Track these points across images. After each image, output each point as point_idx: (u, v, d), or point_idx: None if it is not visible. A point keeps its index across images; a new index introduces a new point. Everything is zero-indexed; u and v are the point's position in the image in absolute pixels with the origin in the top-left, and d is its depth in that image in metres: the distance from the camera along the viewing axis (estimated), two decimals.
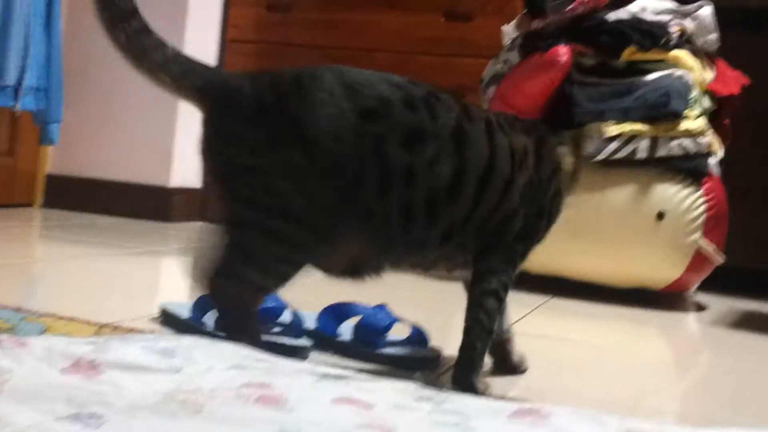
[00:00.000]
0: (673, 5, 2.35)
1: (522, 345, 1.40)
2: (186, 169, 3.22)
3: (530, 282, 2.30)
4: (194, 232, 2.95)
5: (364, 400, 0.88)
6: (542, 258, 2.24)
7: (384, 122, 1.13)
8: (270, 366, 0.97)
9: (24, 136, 3.13)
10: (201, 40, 3.23)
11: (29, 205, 3.20)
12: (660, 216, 2.14)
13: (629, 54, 2.26)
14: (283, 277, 1.17)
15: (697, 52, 2.31)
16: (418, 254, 1.22)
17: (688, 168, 2.16)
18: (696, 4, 2.34)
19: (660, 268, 2.18)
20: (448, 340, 1.50)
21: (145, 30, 1.18)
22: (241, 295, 1.17)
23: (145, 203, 3.12)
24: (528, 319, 1.85)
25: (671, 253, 2.15)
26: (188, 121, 3.20)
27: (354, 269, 1.21)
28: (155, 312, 1.53)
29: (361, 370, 1.15)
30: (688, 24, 2.30)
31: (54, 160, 3.25)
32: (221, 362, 0.97)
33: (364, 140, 1.11)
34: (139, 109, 3.16)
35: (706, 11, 2.33)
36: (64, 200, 3.19)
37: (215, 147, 1.19)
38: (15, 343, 0.95)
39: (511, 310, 1.70)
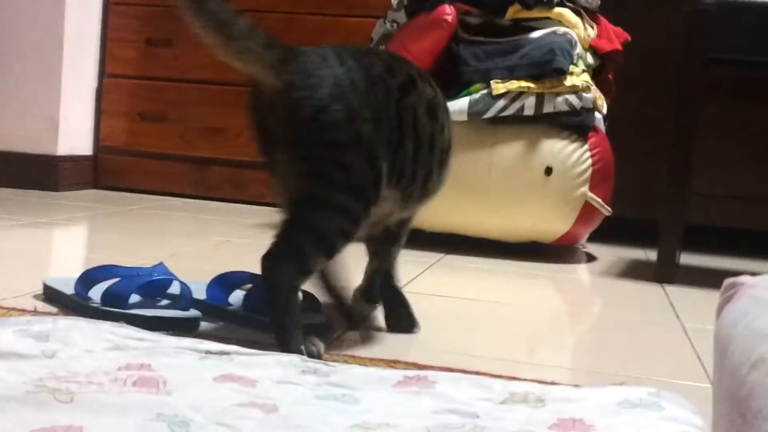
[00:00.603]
0: None
1: (416, 304, 1.41)
2: (73, 136, 3.13)
3: (423, 240, 2.32)
4: (84, 200, 2.88)
5: (248, 376, 0.88)
6: (435, 216, 2.27)
7: (415, 94, 1.23)
8: (152, 345, 0.96)
9: None
10: (83, 2, 3.13)
11: None
12: (548, 171, 2.18)
13: (514, 12, 2.28)
14: (337, 253, 1.20)
15: (579, 10, 2.34)
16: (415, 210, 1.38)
17: (574, 123, 2.19)
18: None
19: (550, 222, 2.22)
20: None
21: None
22: (296, 276, 1.15)
23: (32, 173, 3.02)
24: (422, 278, 1.87)
25: (560, 206, 2.19)
26: (74, 88, 3.11)
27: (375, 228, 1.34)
28: (40, 288, 1.49)
29: (251, 342, 1.14)
30: None
31: None
32: (100, 343, 0.95)
33: (406, 112, 1.20)
34: (20, 74, 3.05)
35: None
36: None
37: (295, 123, 1.14)
38: None
39: (404, 268, 1.71)
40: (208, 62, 3.10)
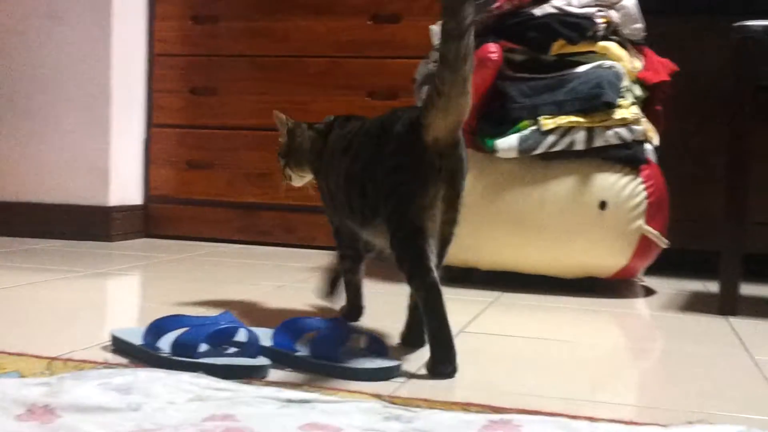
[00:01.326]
0: None
1: (477, 344, 1.41)
2: (124, 186, 3.18)
3: (478, 279, 2.32)
4: (137, 249, 2.91)
5: (332, 425, 0.88)
6: (489, 254, 2.27)
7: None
8: (232, 395, 0.96)
9: None
10: (128, 56, 3.19)
11: None
12: (602, 205, 2.17)
13: (558, 48, 2.28)
14: None
15: (624, 42, 2.34)
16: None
17: (625, 156, 2.19)
18: None
19: (606, 257, 2.20)
20: (406, 350, 1.50)
21: None
22: None
23: (85, 224, 3.07)
24: (481, 318, 1.86)
25: (616, 240, 2.18)
26: (123, 139, 3.16)
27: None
28: (106, 339, 1.50)
29: (324, 387, 1.14)
30: (614, 15, 2.33)
31: None
32: (181, 395, 0.96)
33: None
34: (71, 128, 3.10)
35: (630, 1, 2.36)
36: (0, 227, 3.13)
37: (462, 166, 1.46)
38: None
39: (461, 308, 1.71)
40: (253, 109, 3.15)
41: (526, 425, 0.88)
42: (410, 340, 1.55)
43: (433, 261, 1.41)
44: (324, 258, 2.83)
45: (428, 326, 1.39)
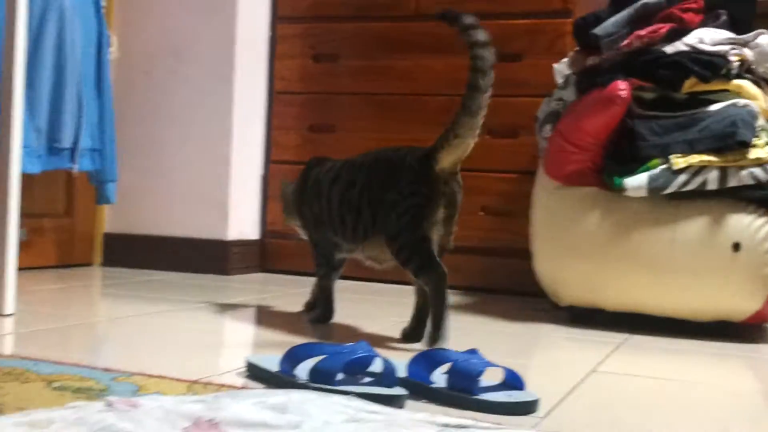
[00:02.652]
0: (730, 35, 2.32)
1: (610, 384, 1.38)
2: (242, 221, 3.23)
3: (606, 320, 2.27)
4: (255, 282, 2.95)
5: None
6: (616, 294, 2.22)
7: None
8: (387, 418, 0.95)
9: (80, 196, 3.15)
10: (249, 93, 3.26)
11: (89, 264, 3.21)
12: (736, 247, 2.10)
13: (690, 86, 2.24)
14: None
15: (758, 81, 2.29)
16: None
17: (761, 197, 2.12)
18: (754, 33, 2.31)
19: (739, 300, 2.13)
20: (543, 383, 1.48)
21: None
22: None
23: (204, 257, 3.12)
24: (611, 359, 1.82)
25: (750, 284, 2.11)
26: (242, 174, 3.22)
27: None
28: (240, 366, 1.52)
29: (464, 418, 1.12)
30: (748, 53, 2.28)
31: (110, 219, 3.27)
32: (336, 416, 0.96)
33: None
34: (192, 163, 3.18)
35: (765, 39, 2.30)
36: (122, 258, 3.21)
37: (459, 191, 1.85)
38: (127, 404, 0.93)
39: (589, 349, 1.68)
40: (370, 146, 3.14)
41: None
42: (412, 336, 1.88)
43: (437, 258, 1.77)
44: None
45: (434, 308, 1.76)
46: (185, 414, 0.89)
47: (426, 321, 1.80)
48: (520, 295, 2.88)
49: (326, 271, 2.11)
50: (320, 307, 2.11)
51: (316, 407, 0.96)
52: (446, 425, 0.93)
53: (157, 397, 0.99)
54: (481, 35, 1.74)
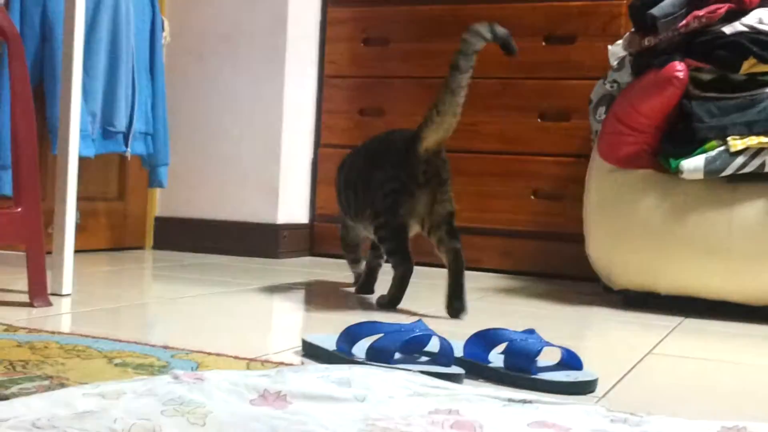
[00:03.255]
0: None
1: (664, 366, 1.36)
2: (291, 204, 3.24)
3: (660, 304, 2.25)
4: (304, 266, 2.96)
5: (560, 424, 0.86)
6: (671, 277, 2.20)
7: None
8: (451, 393, 0.95)
9: (133, 180, 3.19)
10: (300, 77, 3.26)
11: (141, 247, 3.25)
12: None
13: (749, 67, 2.20)
14: None
15: None
16: None
17: None
18: None
19: None
20: (600, 364, 1.46)
21: None
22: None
23: (254, 241, 3.15)
24: (666, 342, 1.80)
25: None
26: (292, 158, 3.23)
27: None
28: (297, 345, 1.53)
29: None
30: None
31: (162, 203, 3.30)
32: (400, 390, 0.96)
33: None
34: (243, 147, 3.20)
35: None
36: (173, 242, 3.24)
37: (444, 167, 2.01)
38: (193, 378, 0.94)
39: (643, 332, 1.66)
40: None
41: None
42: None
43: (410, 249, 1.98)
44: (490, 280, 2.81)
45: (393, 288, 2.01)
46: (252, 386, 0.90)
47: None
48: (572, 280, 2.86)
49: (349, 252, 2.39)
50: (359, 283, 2.30)
51: (379, 381, 0.96)
52: (510, 399, 0.92)
53: (222, 372, 1.00)
54: (477, 24, 1.93)
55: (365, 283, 2.26)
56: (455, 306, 1.95)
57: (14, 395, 0.89)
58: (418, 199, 1.95)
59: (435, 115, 1.93)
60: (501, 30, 1.96)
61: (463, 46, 1.92)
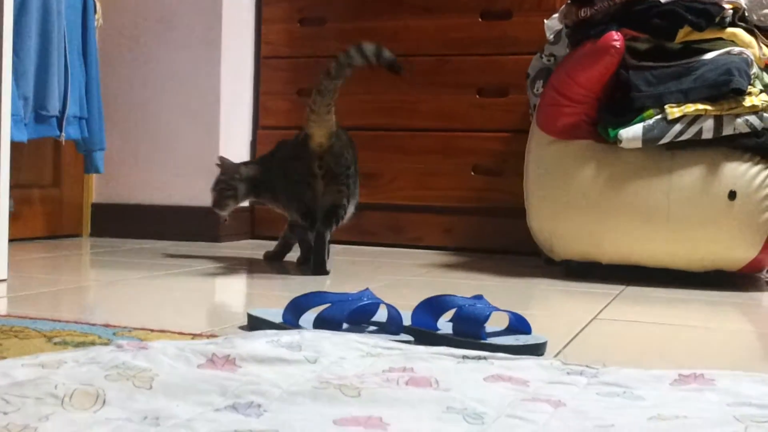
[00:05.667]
0: None
1: (614, 329, 1.36)
2: None
3: (603, 273, 2.26)
4: (245, 249, 2.93)
5: (517, 377, 0.85)
6: (612, 247, 2.21)
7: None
8: (404, 352, 0.94)
9: (68, 166, 3.12)
10: (237, 58, 3.22)
11: (78, 235, 3.18)
12: (731, 195, 2.10)
13: (684, 35, 2.22)
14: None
15: (752, 29, 2.28)
16: None
17: (756, 145, 2.11)
18: None
19: (735, 249, 2.13)
20: (547, 330, 1.47)
21: None
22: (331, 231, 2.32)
23: (194, 225, 3.10)
24: (610, 308, 1.81)
25: (745, 232, 2.11)
26: (230, 140, 3.19)
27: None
28: (241, 321, 1.50)
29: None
30: (741, 0, 2.26)
31: (99, 189, 3.24)
32: (352, 352, 0.94)
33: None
34: (181, 131, 3.15)
35: None
36: (111, 228, 3.18)
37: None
38: (136, 346, 0.92)
39: (586, 301, 1.66)
40: (360, 109, 3.15)
41: (720, 379, 0.84)
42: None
43: (318, 222, 2.24)
44: (432, 257, 2.81)
45: (316, 246, 2.24)
46: (199, 351, 0.87)
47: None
48: (515, 254, 2.87)
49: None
50: (272, 252, 2.59)
51: (330, 344, 0.95)
52: (465, 357, 0.91)
53: (166, 342, 0.97)
54: (366, 44, 2.17)
55: (277, 253, 2.56)
56: (313, 262, 2.24)
57: None
58: (315, 189, 2.23)
59: (310, 113, 2.20)
60: (387, 55, 2.18)
61: (341, 57, 2.17)
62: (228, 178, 2.44)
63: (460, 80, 3.05)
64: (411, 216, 3.08)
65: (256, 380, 0.79)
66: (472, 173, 3.04)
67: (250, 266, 2.44)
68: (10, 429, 0.65)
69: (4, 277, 1.93)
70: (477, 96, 3.03)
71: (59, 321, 1.45)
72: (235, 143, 3.23)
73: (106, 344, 1.27)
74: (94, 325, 1.42)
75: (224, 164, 2.48)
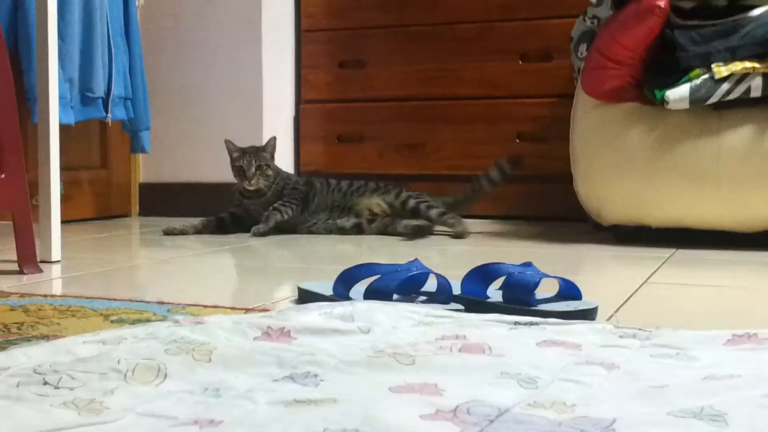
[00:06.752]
0: None
1: (662, 294, 1.35)
2: (276, 163, 3.21)
3: (652, 237, 2.25)
4: None
5: (570, 341, 0.85)
6: (661, 210, 2.19)
7: None
8: (456, 320, 0.94)
9: (115, 147, 3.15)
10: (277, 33, 3.22)
11: (127, 215, 3.23)
12: None
13: None
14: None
15: None
16: None
17: None
18: None
19: None
20: (598, 295, 1.46)
21: None
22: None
23: None
24: (661, 272, 1.80)
25: None
26: (274, 116, 3.20)
27: None
28: (292, 295, 1.52)
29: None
30: None
31: (146, 168, 3.27)
32: (404, 321, 0.95)
33: None
34: (224, 108, 3.17)
35: None
36: (159, 207, 3.21)
37: None
38: (193, 321, 0.93)
39: (636, 266, 1.65)
40: (402, 80, 3.14)
41: None
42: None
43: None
44: (479, 226, 2.81)
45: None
46: (255, 324, 0.89)
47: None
48: (562, 221, 2.86)
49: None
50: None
51: (383, 314, 0.95)
52: (517, 323, 0.92)
53: (221, 316, 0.99)
54: None
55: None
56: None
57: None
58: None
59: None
60: None
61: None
62: None
63: (502, 46, 3.02)
64: (456, 185, 3.07)
65: (311, 351, 0.80)
66: (517, 140, 3.02)
67: (299, 240, 2.46)
68: (77, 404, 0.66)
69: (58, 258, 1.96)
70: (520, 62, 3.01)
71: (114, 299, 1.47)
72: (279, 119, 3.25)
73: (161, 320, 1.30)
74: (148, 302, 1.44)
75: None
